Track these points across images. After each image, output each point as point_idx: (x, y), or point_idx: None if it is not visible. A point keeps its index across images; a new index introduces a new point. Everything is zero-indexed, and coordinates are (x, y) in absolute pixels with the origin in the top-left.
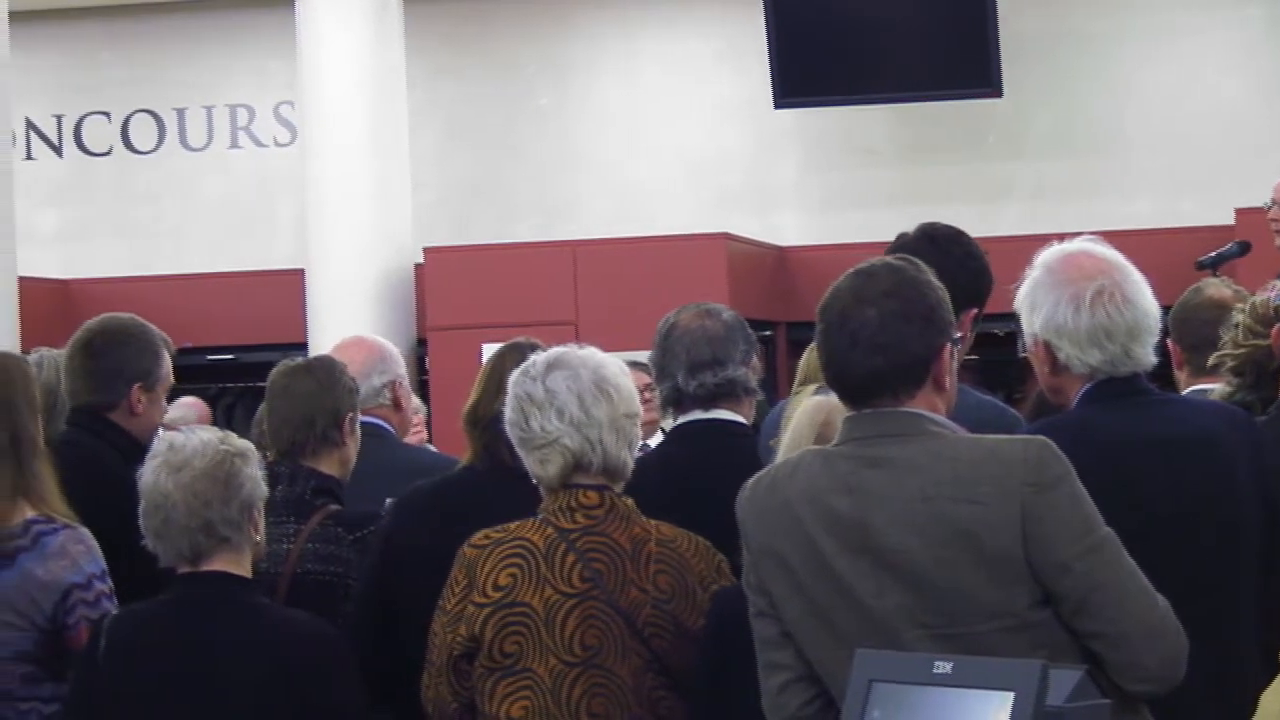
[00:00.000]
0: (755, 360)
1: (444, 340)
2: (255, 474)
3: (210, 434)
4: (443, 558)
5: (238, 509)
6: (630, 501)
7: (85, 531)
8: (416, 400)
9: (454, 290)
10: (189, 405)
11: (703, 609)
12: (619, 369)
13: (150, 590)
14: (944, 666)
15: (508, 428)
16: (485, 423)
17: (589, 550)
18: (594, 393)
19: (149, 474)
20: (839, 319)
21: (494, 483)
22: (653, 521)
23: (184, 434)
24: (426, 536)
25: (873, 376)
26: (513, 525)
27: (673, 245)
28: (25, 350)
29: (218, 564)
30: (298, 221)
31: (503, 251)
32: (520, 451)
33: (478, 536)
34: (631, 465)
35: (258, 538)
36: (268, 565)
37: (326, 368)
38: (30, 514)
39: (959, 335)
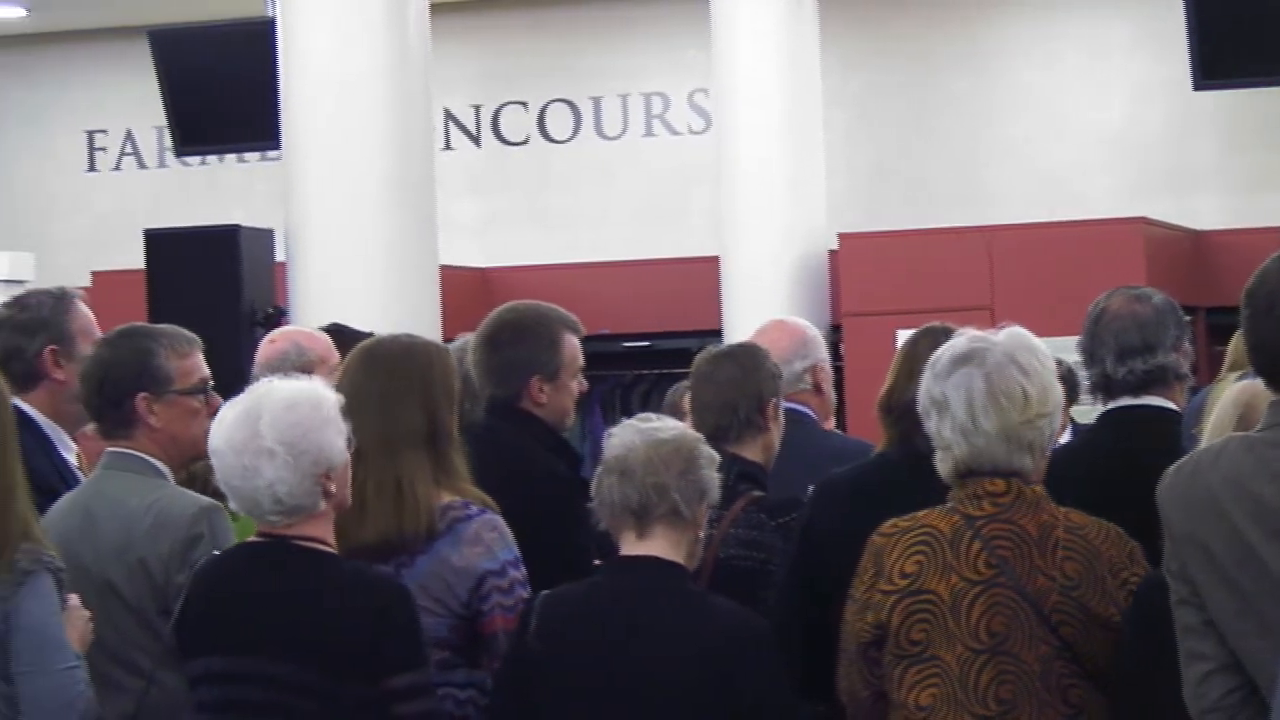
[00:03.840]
0: (1187, 345)
1: (858, 326)
2: (715, 476)
3: (686, 427)
4: (861, 546)
5: (693, 488)
6: (1039, 489)
7: (498, 518)
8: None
9: (868, 276)
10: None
11: (1113, 596)
12: (1019, 369)
13: (559, 579)
14: None
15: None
16: (899, 410)
17: (995, 537)
18: (984, 403)
19: (619, 432)
20: (1267, 303)
21: (909, 469)
22: (1062, 509)
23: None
24: (844, 524)
25: None
26: (921, 514)
27: (1089, 230)
28: (447, 338)
29: (656, 542)
30: (712, 208)
31: (917, 237)
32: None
33: (886, 525)
34: (1034, 463)
35: (700, 533)
36: None
37: (750, 353)
38: (446, 499)
39: None
